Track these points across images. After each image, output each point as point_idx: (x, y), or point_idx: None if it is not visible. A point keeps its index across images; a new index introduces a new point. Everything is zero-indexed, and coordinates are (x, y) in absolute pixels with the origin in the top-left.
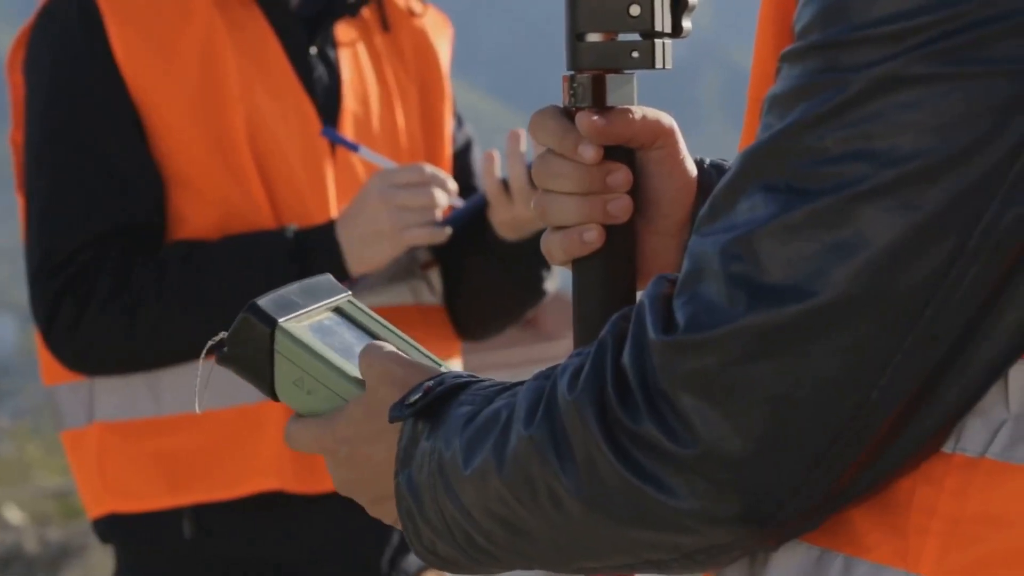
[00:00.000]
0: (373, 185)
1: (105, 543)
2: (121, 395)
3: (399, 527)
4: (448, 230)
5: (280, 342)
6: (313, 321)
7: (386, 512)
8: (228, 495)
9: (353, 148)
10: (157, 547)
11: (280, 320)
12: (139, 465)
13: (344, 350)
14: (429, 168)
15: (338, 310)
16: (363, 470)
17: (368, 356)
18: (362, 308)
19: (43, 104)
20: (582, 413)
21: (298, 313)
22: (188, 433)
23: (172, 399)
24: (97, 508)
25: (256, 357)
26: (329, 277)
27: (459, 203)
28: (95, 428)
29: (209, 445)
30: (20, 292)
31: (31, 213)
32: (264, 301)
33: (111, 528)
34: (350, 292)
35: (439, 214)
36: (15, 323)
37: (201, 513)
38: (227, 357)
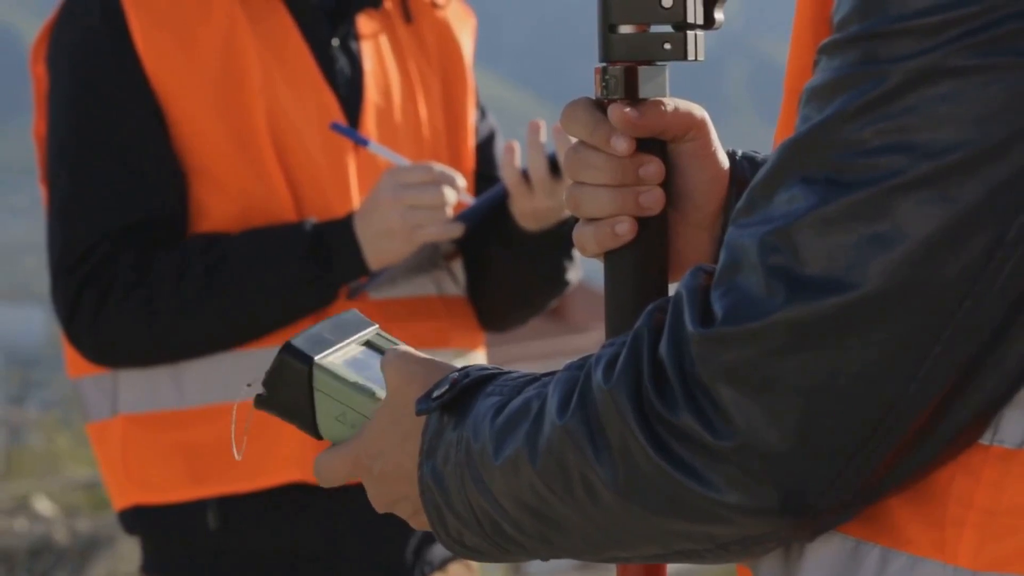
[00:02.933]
0: (383, 184)
1: (131, 535)
2: (144, 387)
3: None
4: (460, 227)
5: (319, 379)
6: (348, 356)
7: (427, 523)
8: (251, 487)
9: (362, 143)
10: (182, 539)
11: (316, 357)
12: (162, 457)
13: (380, 382)
14: (438, 166)
15: (369, 344)
16: (398, 481)
17: (386, 361)
18: (391, 339)
19: (65, 97)
20: (618, 403)
21: (332, 349)
22: (211, 425)
23: (195, 391)
24: (122, 500)
25: (296, 397)
26: (356, 312)
27: (469, 199)
28: (119, 420)
29: (231, 437)
30: (48, 284)
31: (52, 206)
32: (298, 340)
33: (136, 520)
34: (377, 325)
35: (449, 211)
36: (43, 315)
37: (226, 505)
38: (265, 401)
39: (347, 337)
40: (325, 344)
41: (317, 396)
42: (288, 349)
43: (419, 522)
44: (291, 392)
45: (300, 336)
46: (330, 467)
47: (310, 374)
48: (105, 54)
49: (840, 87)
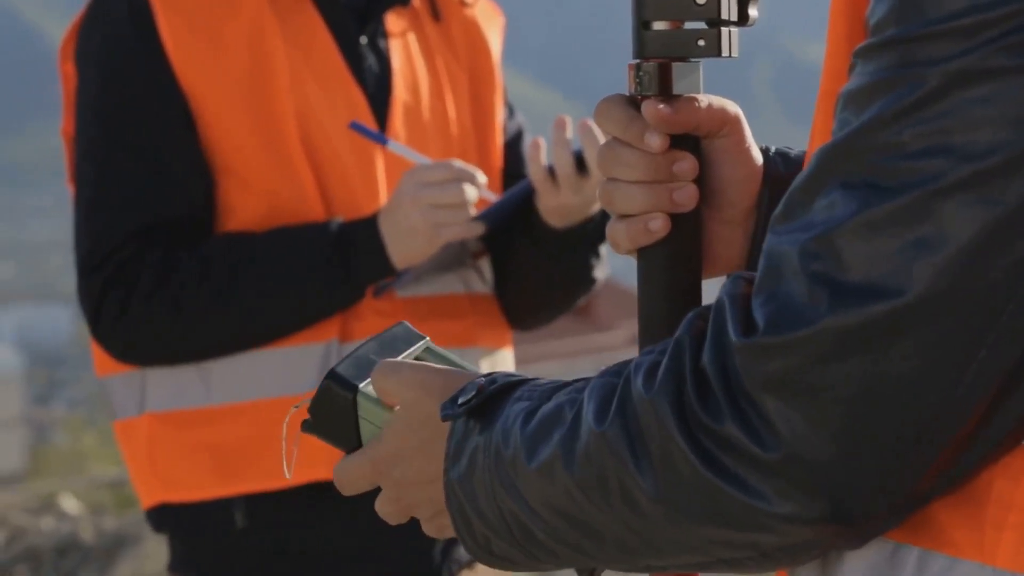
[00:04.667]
0: (405, 183)
1: (158, 533)
2: (172, 385)
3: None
4: (481, 226)
5: (363, 407)
6: None
7: (446, 526)
8: (278, 485)
9: (382, 141)
10: (209, 537)
11: (360, 385)
12: (189, 455)
13: None
14: (458, 164)
15: (419, 360)
16: (420, 485)
17: (398, 373)
18: (441, 353)
19: (92, 96)
20: (659, 412)
21: (371, 379)
22: (238, 423)
23: (223, 389)
24: (149, 498)
25: (341, 423)
26: (405, 325)
27: (491, 196)
28: (146, 418)
29: (259, 435)
30: (74, 283)
31: (79, 204)
32: (343, 367)
33: (163, 518)
34: (427, 339)
35: (471, 209)
36: (69, 314)
37: (253, 503)
38: (312, 426)
39: (395, 356)
40: (371, 367)
41: (362, 423)
42: (333, 376)
43: (437, 525)
44: (336, 419)
45: (345, 362)
46: (350, 475)
47: (354, 402)
48: (133, 53)
49: (877, 91)
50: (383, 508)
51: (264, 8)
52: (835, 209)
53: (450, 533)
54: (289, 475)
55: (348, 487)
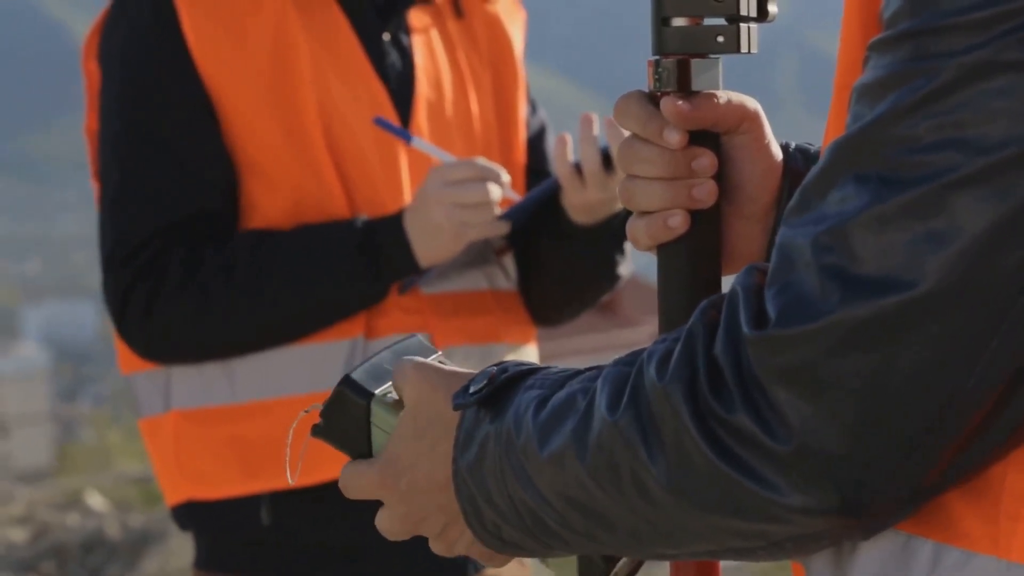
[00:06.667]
0: (430, 181)
1: (184, 530)
2: (198, 382)
3: (472, 553)
4: (506, 225)
5: (376, 414)
6: None
7: (455, 541)
8: (304, 482)
9: (406, 138)
10: (235, 534)
11: (376, 392)
12: (215, 452)
13: None
14: (482, 162)
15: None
16: (428, 492)
17: (401, 373)
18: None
19: (116, 93)
20: (672, 400)
21: (392, 382)
22: (264, 420)
23: (248, 386)
24: (175, 495)
25: (353, 429)
26: (419, 339)
27: (514, 196)
28: (172, 416)
29: (284, 432)
30: (100, 279)
31: (104, 201)
32: (358, 373)
33: (189, 515)
34: (440, 352)
35: (496, 208)
36: (95, 310)
37: (279, 500)
38: (322, 431)
39: None
40: (384, 377)
41: (374, 431)
42: (347, 383)
43: (447, 540)
44: (349, 425)
45: (360, 368)
46: (357, 482)
47: (368, 409)
48: (156, 49)
49: (892, 84)
50: (388, 525)
51: (287, 4)
52: (848, 202)
53: (459, 550)
54: (293, 481)
55: (353, 491)
